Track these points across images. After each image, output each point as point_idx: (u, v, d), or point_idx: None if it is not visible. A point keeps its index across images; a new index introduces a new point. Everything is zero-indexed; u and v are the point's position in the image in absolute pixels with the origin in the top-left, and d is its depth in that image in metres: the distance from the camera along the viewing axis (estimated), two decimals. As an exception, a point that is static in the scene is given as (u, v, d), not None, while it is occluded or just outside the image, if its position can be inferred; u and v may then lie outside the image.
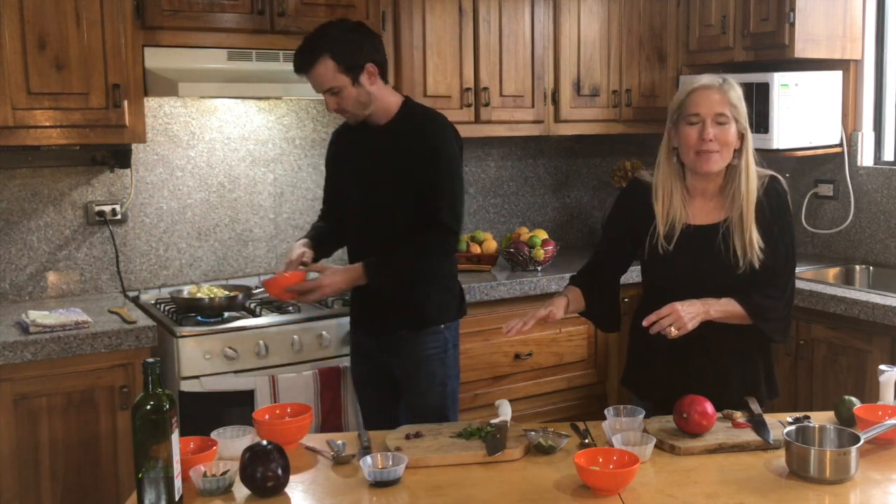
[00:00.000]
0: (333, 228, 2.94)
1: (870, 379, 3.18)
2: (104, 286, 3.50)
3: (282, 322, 3.12)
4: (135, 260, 3.55)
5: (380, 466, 1.90)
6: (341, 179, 2.89)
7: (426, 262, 2.76)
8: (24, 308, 3.15)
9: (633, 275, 2.60)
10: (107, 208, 3.46)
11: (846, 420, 2.16)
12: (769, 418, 2.17)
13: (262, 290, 3.34)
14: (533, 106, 3.96)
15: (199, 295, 3.20)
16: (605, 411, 2.15)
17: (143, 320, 3.03)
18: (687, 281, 2.32)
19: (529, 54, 3.93)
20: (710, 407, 2.08)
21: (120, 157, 3.43)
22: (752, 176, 2.31)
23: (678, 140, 2.33)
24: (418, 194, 2.70)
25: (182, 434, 1.82)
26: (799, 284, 3.09)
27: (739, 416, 2.18)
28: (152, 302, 3.37)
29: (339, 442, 2.09)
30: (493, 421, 2.15)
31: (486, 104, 3.83)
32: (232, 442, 2.02)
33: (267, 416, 2.17)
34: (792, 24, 3.71)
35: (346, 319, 3.17)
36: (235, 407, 2.98)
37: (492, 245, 3.93)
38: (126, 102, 3.09)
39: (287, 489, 1.86)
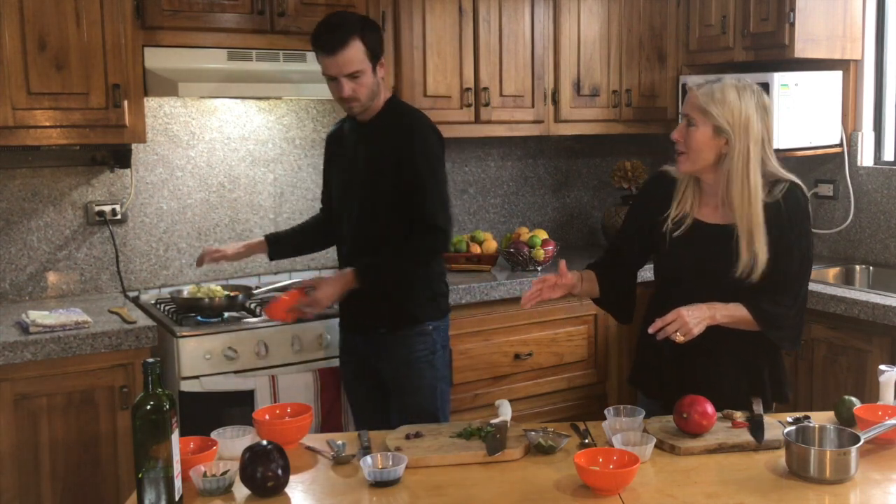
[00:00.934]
0: (320, 229, 3.04)
1: (870, 379, 3.18)
2: (104, 286, 3.50)
3: (282, 322, 3.12)
4: (135, 260, 3.55)
5: (380, 466, 1.90)
6: (332, 180, 2.96)
7: (420, 264, 2.76)
8: (24, 308, 3.15)
9: (645, 273, 2.58)
10: (107, 208, 3.46)
11: (846, 420, 2.16)
12: (769, 418, 2.17)
13: (262, 289, 3.35)
14: (533, 106, 3.96)
15: (199, 295, 3.20)
16: (605, 411, 2.15)
17: (143, 320, 3.03)
18: (691, 276, 2.33)
19: (529, 54, 3.93)
20: (710, 407, 2.08)
21: (120, 157, 3.43)
22: (753, 187, 2.26)
23: None
24: (404, 193, 2.71)
25: (182, 434, 1.82)
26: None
27: (739, 416, 2.18)
28: (152, 302, 3.37)
29: (339, 442, 2.09)
30: (493, 421, 2.15)
31: (486, 104, 3.83)
32: (232, 442, 2.02)
33: (267, 416, 2.17)
34: (792, 24, 3.71)
35: (346, 319, 3.18)
36: (235, 407, 2.98)
37: (492, 245, 3.93)
38: (126, 102, 3.09)
39: (287, 489, 1.86)
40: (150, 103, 3.46)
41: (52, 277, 3.41)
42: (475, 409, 3.54)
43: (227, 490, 1.85)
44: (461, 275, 3.71)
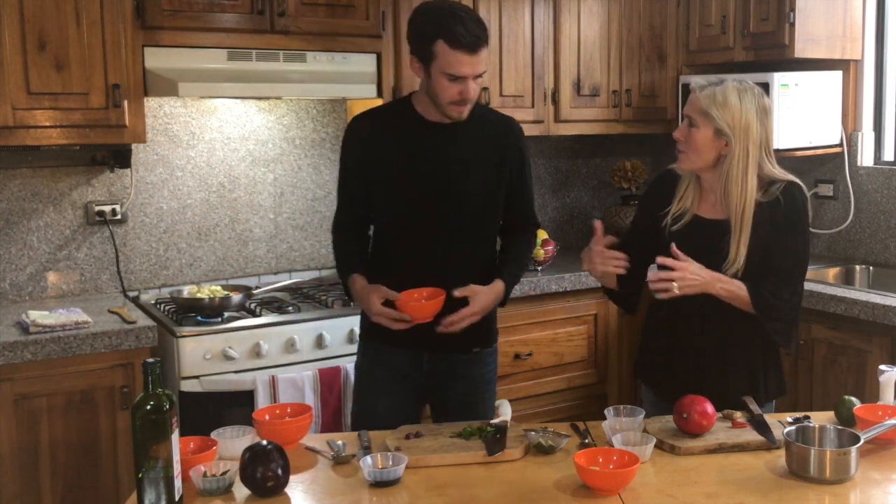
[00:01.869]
0: (363, 240, 2.64)
1: (870, 379, 3.18)
2: (104, 286, 3.50)
3: (282, 322, 3.12)
4: (135, 260, 3.55)
5: (380, 466, 1.90)
6: (397, 176, 2.48)
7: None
8: (24, 308, 3.15)
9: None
10: (107, 208, 3.46)
11: (846, 420, 2.16)
12: (769, 418, 2.17)
13: (262, 290, 3.35)
14: (533, 106, 3.96)
15: (199, 295, 3.21)
16: (605, 411, 2.15)
17: (143, 320, 3.03)
18: None
19: (529, 54, 3.93)
20: (710, 407, 2.08)
21: (120, 157, 3.43)
22: (738, 186, 2.31)
23: None
24: (507, 193, 2.56)
25: (182, 434, 1.82)
26: (799, 284, 3.10)
27: (739, 416, 2.18)
28: (152, 302, 3.37)
29: (339, 442, 2.09)
30: (493, 421, 2.15)
31: (486, 104, 3.82)
32: (232, 442, 2.02)
33: (267, 416, 2.17)
34: (792, 24, 3.71)
35: (347, 319, 3.17)
36: (235, 407, 2.98)
37: (492, 245, 3.93)
38: (126, 102, 3.09)
39: (287, 489, 1.86)
40: (150, 103, 3.46)
41: (52, 277, 3.42)
42: (475, 409, 3.54)
43: (227, 490, 1.85)
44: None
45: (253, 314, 3.19)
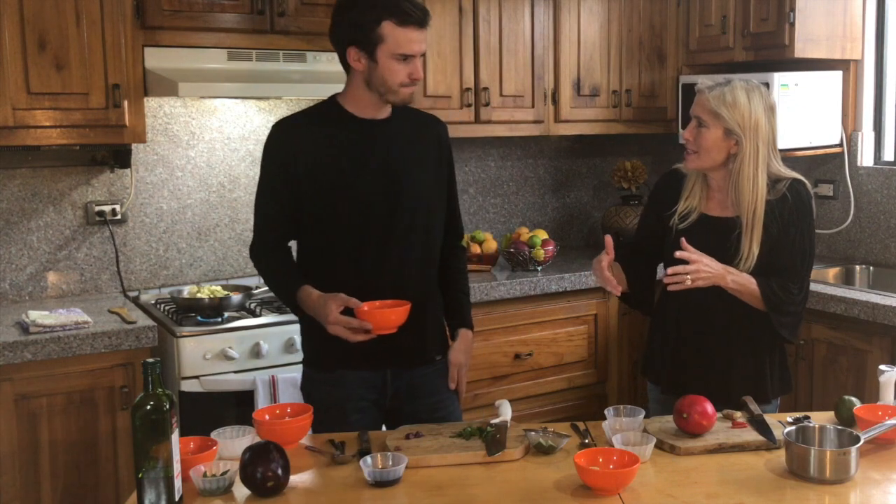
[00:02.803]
0: (291, 258, 2.46)
1: (870, 379, 3.18)
2: (104, 286, 3.50)
3: (282, 322, 3.12)
4: (135, 260, 3.55)
5: (380, 466, 1.90)
6: (341, 179, 2.32)
7: None
8: (24, 308, 3.15)
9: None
10: (107, 208, 3.46)
11: (846, 420, 2.16)
12: (769, 418, 2.17)
13: (262, 290, 3.34)
14: (533, 106, 3.96)
15: (199, 295, 3.21)
16: (605, 411, 2.15)
17: (143, 320, 3.03)
18: None
19: (529, 54, 3.93)
20: (710, 407, 2.08)
21: (120, 157, 3.43)
22: (758, 184, 2.35)
23: None
24: (447, 192, 2.49)
25: (182, 434, 1.82)
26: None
27: (739, 416, 2.18)
28: (152, 302, 3.37)
29: (339, 442, 2.09)
30: (493, 421, 2.15)
31: (486, 104, 3.83)
32: (232, 442, 2.01)
33: (267, 416, 2.16)
34: (792, 24, 3.71)
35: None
36: (235, 407, 2.99)
37: (492, 245, 3.93)
38: (126, 102, 3.09)
39: (287, 489, 1.86)
40: (150, 103, 3.46)
41: (52, 277, 3.41)
42: (475, 409, 3.54)
43: (227, 490, 1.85)
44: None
45: (253, 314, 3.19)
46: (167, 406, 1.72)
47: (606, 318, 3.90)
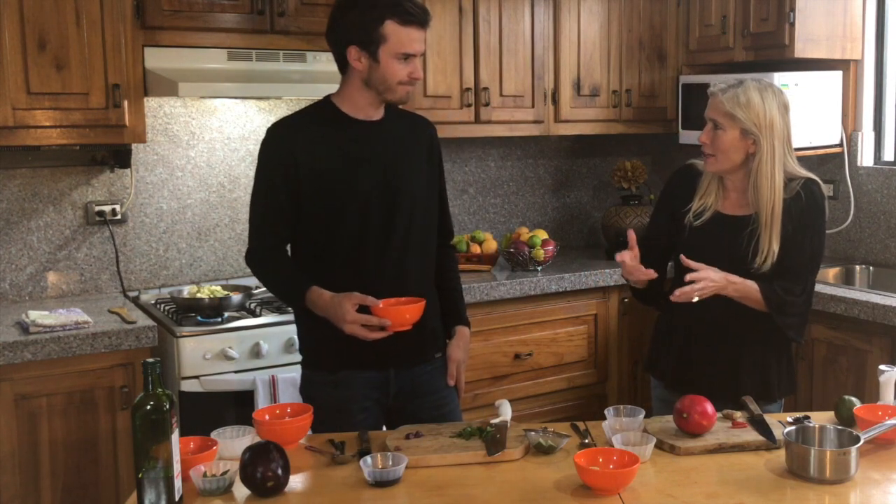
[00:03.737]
0: (290, 260, 2.46)
1: (870, 379, 3.18)
2: (104, 286, 3.50)
3: (282, 322, 3.12)
4: (135, 260, 3.55)
5: (380, 466, 1.90)
6: (341, 178, 2.33)
7: None
8: (24, 308, 3.15)
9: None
10: (107, 208, 3.47)
11: (846, 420, 2.16)
12: (770, 418, 2.17)
13: (262, 290, 3.34)
14: (533, 106, 3.96)
15: (199, 295, 3.20)
16: (605, 411, 2.15)
17: (143, 320, 3.03)
18: (709, 265, 2.37)
19: (529, 54, 3.93)
20: (710, 407, 2.08)
21: (120, 157, 3.43)
22: (775, 182, 2.37)
23: None
24: (439, 193, 2.52)
25: (182, 434, 1.82)
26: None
27: (739, 416, 2.18)
28: (152, 302, 3.37)
29: (339, 442, 2.09)
30: (493, 421, 2.15)
31: (486, 104, 3.83)
32: (232, 442, 2.01)
33: (267, 416, 2.16)
34: (792, 24, 3.71)
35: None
36: (235, 407, 2.98)
37: (492, 245, 3.93)
38: (126, 102, 3.09)
39: (287, 489, 1.86)
40: (150, 103, 3.46)
41: (52, 277, 3.41)
42: (475, 409, 3.54)
43: (227, 490, 1.85)
44: (461, 275, 3.70)
45: (253, 314, 3.20)
46: (167, 406, 1.72)
47: (606, 318, 3.90)
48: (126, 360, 2.93)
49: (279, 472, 1.83)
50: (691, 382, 2.40)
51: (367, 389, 2.40)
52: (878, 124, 3.99)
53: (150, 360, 1.75)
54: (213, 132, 3.66)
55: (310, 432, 2.19)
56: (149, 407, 1.71)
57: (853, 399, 2.21)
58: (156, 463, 1.71)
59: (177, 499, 1.74)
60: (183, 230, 3.63)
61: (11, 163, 3.30)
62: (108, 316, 3.10)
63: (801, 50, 3.74)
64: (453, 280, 2.61)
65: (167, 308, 3.23)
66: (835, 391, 3.27)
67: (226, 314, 3.15)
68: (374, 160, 2.36)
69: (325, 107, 2.40)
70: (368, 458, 1.91)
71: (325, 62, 3.41)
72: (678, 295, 2.32)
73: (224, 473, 1.86)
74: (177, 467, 1.74)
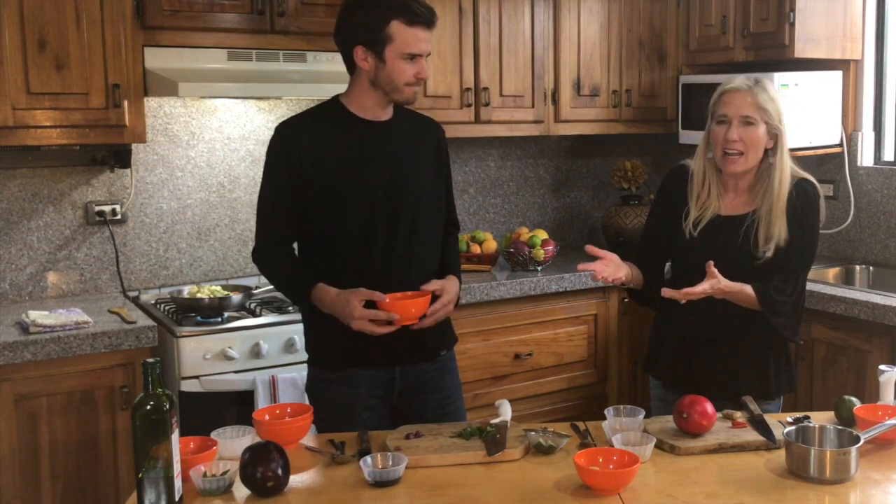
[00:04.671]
0: (295, 258, 2.46)
1: (870, 379, 3.18)
2: (104, 286, 3.50)
3: (282, 322, 3.12)
4: (135, 260, 3.55)
5: (380, 466, 1.90)
6: (348, 177, 2.34)
7: None
8: (24, 308, 3.15)
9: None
10: (107, 208, 3.47)
11: (846, 420, 2.16)
12: (769, 418, 2.17)
13: (262, 290, 3.34)
14: (533, 106, 3.96)
15: (199, 295, 3.20)
16: (605, 411, 2.15)
17: (143, 320, 3.03)
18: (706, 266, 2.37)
19: (529, 54, 3.93)
20: (710, 407, 2.08)
21: (120, 157, 3.43)
22: (786, 174, 2.40)
23: (711, 137, 2.44)
24: (445, 191, 2.54)
25: (182, 434, 1.82)
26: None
27: (739, 416, 2.18)
28: (152, 302, 3.37)
29: (340, 442, 2.09)
30: (493, 421, 2.15)
31: (486, 104, 3.83)
32: (232, 442, 2.01)
33: (267, 416, 2.16)
34: (792, 24, 3.71)
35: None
36: (235, 407, 2.99)
37: (492, 245, 3.93)
38: (126, 102, 3.09)
39: (287, 489, 1.86)
40: (150, 103, 3.46)
41: (52, 277, 3.42)
42: (475, 409, 3.54)
43: (227, 490, 1.85)
44: (462, 274, 3.71)
45: (253, 314, 3.20)
46: (167, 406, 1.72)
47: (606, 318, 3.90)
48: (126, 360, 2.93)
49: (279, 472, 1.83)
50: (690, 381, 2.40)
51: (372, 387, 2.40)
52: (878, 124, 3.99)
53: (150, 360, 1.75)
54: (213, 132, 3.66)
55: (314, 430, 2.19)
56: (149, 407, 1.71)
57: (853, 399, 2.21)
58: (156, 463, 1.71)
59: (177, 499, 1.74)
60: (183, 230, 3.63)
61: (11, 163, 3.30)
62: (108, 316, 3.10)
63: (801, 50, 3.74)
64: (450, 254, 2.57)
65: (167, 308, 3.23)
66: (835, 391, 3.27)
67: (226, 314, 3.15)
68: (379, 160, 2.37)
69: (333, 106, 2.41)
70: (368, 458, 1.91)
71: (325, 62, 3.41)
72: (666, 293, 2.33)
73: (224, 473, 1.86)
74: (177, 467, 1.74)
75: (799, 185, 2.42)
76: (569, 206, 4.60)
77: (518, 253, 3.83)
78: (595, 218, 4.64)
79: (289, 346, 3.09)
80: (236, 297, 3.18)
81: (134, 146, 3.40)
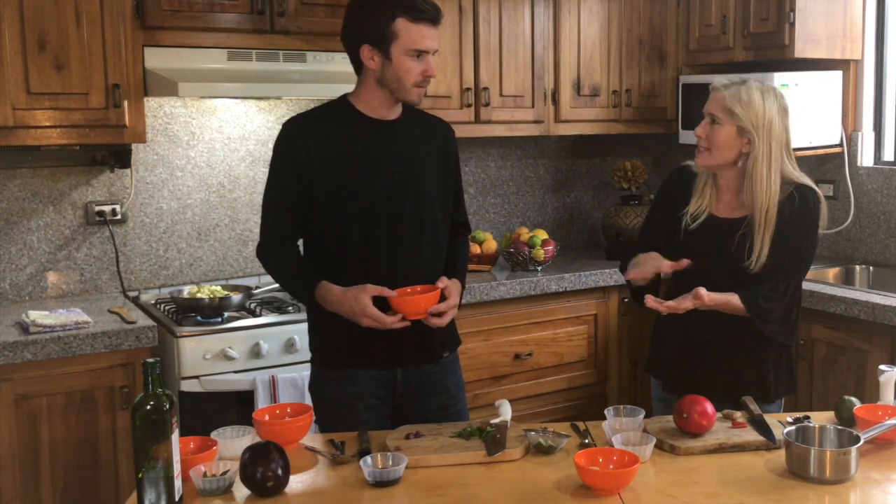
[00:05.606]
0: (300, 255, 2.47)
1: (870, 379, 3.18)
2: (104, 286, 3.50)
3: (282, 322, 3.12)
4: (135, 260, 3.55)
5: (380, 466, 1.90)
6: (356, 176, 2.34)
7: None
8: (24, 308, 3.15)
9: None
10: (107, 208, 3.47)
11: (846, 420, 2.16)
12: (769, 418, 2.17)
13: (262, 290, 3.34)
14: (533, 106, 3.96)
15: (199, 295, 3.21)
16: (605, 411, 2.15)
17: (143, 320, 3.03)
18: (700, 268, 2.38)
19: (529, 54, 3.93)
20: (710, 407, 2.08)
21: (120, 157, 3.43)
22: (763, 184, 2.36)
23: None
24: (453, 192, 2.52)
25: (182, 434, 1.82)
26: (799, 284, 3.11)
27: (739, 416, 2.18)
28: (152, 302, 3.37)
29: (339, 442, 2.09)
30: (493, 421, 2.15)
31: (486, 104, 3.83)
32: (232, 442, 2.01)
33: (267, 416, 2.16)
34: (792, 24, 3.71)
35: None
36: (235, 407, 2.99)
37: (492, 245, 3.93)
38: (126, 102, 3.09)
39: (287, 489, 1.86)
40: (150, 103, 3.46)
41: (52, 277, 3.42)
42: (475, 409, 3.54)
43: (227, 490, 1.85)
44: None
45: (253, 314, 3.20)
46: (167, 406, 1.72)
47: (606, 318, 3.91)
48: (126, 360, 2.93)
49: (279, 472, 1.83)
50: (690, 382, 2.40)
51: (373, 388, 2.40)
52: (878, 124, 3.99)
53: (150, 360, 1.75)
54: (213, 132, 3.66)
55: (314, 430, 2.18)
56: (149, 407, 1.71)
57: (853, 399, 2.21)
58: (156, 463, 1.71)
59: (177, 499, 1.74)
60: (183, 230, 3.63)
61: (11, 163, 3.30)
62: (108, 316, 3.10)
63: (801, 50, 3.74)
64: (457, 255, 2.56)
65: (167, 308, 3.23)
66: (835, 391, 3.27)
67: (226, 314, 3.15)
68: (385, 159, 2.36)
69: (340, 105, 2.42)
70: (368, 458, 1.91)
71: (325, 62, 3.41)
72: (649, 302, 2.34)
73: (224, 473, 1.86)
74: (177, 467, 1.74)
75: (799, 190, 2.40)
76: (569, 206, 4.60)
77: (518, 253, 3.83)
78: (595, 218, 4.64)
79: (289, 346, 3.09)
80: (236, 297, 3.19)
81: (134, 146, 3.40)
